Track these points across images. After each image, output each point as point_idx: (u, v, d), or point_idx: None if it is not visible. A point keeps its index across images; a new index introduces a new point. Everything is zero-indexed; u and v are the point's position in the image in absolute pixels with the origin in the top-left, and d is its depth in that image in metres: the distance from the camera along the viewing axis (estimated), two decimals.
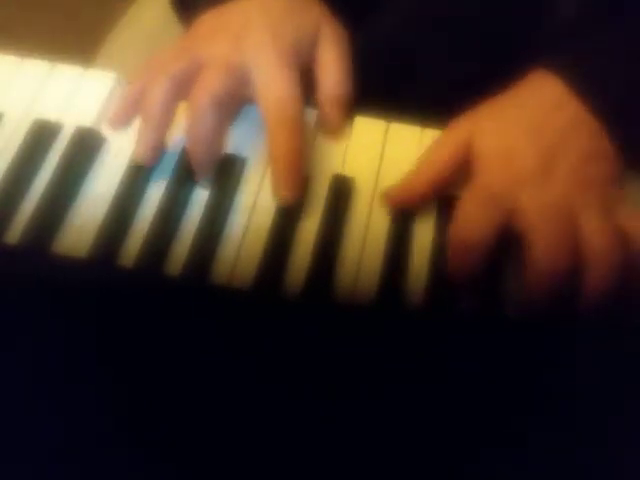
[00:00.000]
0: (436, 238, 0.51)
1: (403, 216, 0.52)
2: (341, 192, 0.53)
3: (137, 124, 0.56)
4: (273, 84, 0.52)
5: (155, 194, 0.53)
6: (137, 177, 0.53)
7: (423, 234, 0.52)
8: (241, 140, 0.55)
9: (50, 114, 0.56)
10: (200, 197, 0.53)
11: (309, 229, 0.51)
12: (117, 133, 0.56)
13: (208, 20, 0.56)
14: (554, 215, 0.48)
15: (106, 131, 0.56)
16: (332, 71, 0.55)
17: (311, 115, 0.56)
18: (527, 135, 0.50)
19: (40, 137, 0.55)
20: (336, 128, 0.56)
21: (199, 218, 0.52)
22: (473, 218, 0.49)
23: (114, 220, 0.51)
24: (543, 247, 0.47)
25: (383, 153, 0.55)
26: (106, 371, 0.45)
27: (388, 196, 0.53)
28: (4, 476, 0.42)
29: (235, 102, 0.53)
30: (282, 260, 0.50)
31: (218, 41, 0.53)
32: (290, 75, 0.52)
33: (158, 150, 0.53)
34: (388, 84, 0.61)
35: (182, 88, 0.51)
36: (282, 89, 0.51)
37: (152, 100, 0.51)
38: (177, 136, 0.54)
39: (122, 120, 0.56)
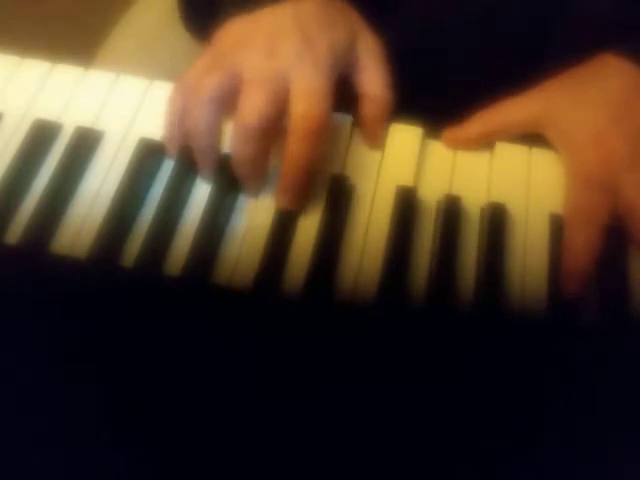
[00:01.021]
0: (436, 238, 0.51)
1: (403, 216, 0.52)
2: (341, 192, 0.53)
3: (139, 123, 0.56)
4: (305, 96, 0.50)
5: (155, 194, 0.53)
6: (137, 177, 0.53)
7: (423, 234, 0.52)
8: None
9: (50, 114, 0.56)
10: (200, 197, 0.53)
11: (309, 229, 0.51)
12: (117, 133, 0.56)
13: (237, 27, 0.53)
14: None
15: (105, 130, 0.56)
16: (376, 77, 0.54)
17: None
18: (614, 119, 0.51)
19: (40, 137, 0.55)
20: (379, 135, 0.55)
21: (199, 218, 0.52)
22: (587, 202, 0.50)
23: (114, 220, 0.51)
24: None
25: (383, 153, 0.55)
26: (106, 371, 0.45)
27: (447, 134, 0.55)
28: (4, 475, 0.42)
29: (280, 118, 0.51)
30: (282, 260, 0.50)
31: (252, 50, 0.51)
32: (324, 86, 0.50)
33: (216, 164, 0.53)
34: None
35: (224, 104, 0.50)
36: (312, 102, 0.50)
37: (199, 125, 0.50)
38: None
39: (176, 142, 0.54)
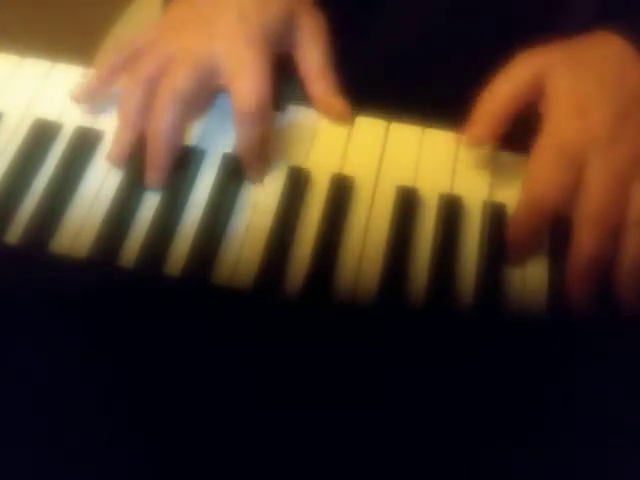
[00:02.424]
0: (436, 238, 0.51)
1: (403, 216, 0.52)
2: (341, 192, 0.53)
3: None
4: (241, 77, 0.52)
5: (155, 194, 0.53)
6: (137, 177, 0.53)
7: (423, 234, 0.52)
8: None
9: (50, 114, 0.56)
10: (200, 197, 0.53)
11: (309, 229, 0.51)
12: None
13: (178, 9, 0.56)
14: (615, 184, 0.49)
15: (105, 130, 0.56)
16: (313, 54, 0.56)
17: (309, 114, 0.56)
18: (604, 88, 0.51)
19: (40, 137, 0.55)
20: (335, 108, 0.56)
21: (199, 218, 0.52)
22: (548, 175, 0.50)
23: (114, 220, 0.51)
24: (596, 215, 0.48)
25: (383, 153, 0.55)
26: (106, 371, 0.45)
27: (466, 139, 0.53)
28: (4, 472, 0.42)
29: (203, 96, 0.54)
30: (282, 260, 0.50)
31: (187, 32, 0.54)
32: (259, 65, 0.52)
33: (129, 151, 0.53)
34: (388, 84, 0.62)
35: (153, 88, 0.52)
36: (250, 82, 0.51)
37: (127, 107, 0.53)
38: None
39: (87, 98, 0.56)
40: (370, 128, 0.56)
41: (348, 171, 0.54)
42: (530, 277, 0.50)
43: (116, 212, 0.52)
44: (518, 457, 0.43)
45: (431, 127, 0.56)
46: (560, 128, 0.50)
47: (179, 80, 0.51)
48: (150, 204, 0.52)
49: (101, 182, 0.53)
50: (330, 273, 0.49)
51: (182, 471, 0.42)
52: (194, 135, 0.55)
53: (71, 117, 0.56)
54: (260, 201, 0.53)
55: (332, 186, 0.53)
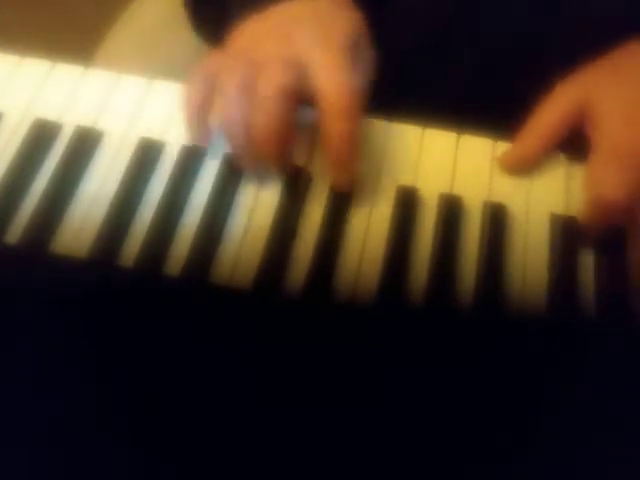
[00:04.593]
0: (436, 238, 0.51)
1: (403, 216, 0.52)
2: (341, 192, 0.53)
3: (139, 123, 0.56)
4: (330, 76, 0.50)
5: (155, 194, 0.53)
6: (137, 177, 0.53)
7: (423, 234, 0.52)
8: None
9: (50, 114, 0.56)
10: (200, 197, 0.53)
11: (310, 229, 0.51)
12: (117, 133, 0.56)
13: (251, 26, 0.54)
14: None
15: (105, 130, 0.56)
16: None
17: (309, 114, 0.56)
18: None
19: (40, 137, 0.55)
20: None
21: (199, 218, 0.52)
22: (613, 181, 0.50)
23: (114, 220, 0.51)
24: None
25: (384, 153, 0.55)
26: (105, 371, 0.45)
27: (503, 160, 0.54)
28: (4, 472, 0.42)
29: (297, 95, 0.51)
30: (282, 260, 0.50)
31: (269, 42, 0.52)
32: (346, 67, 0.51)
33: (256, 159, 0.52)
34: (389, 85, 0.61)
35: (249, 93, 0.50)
36: (339, 80, 0.50)
37: (229, 116, 0.50)
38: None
39: (202, 135, 0.54)
40: (371, 128, 0.56)
41: None
42: (530, 277, 0.50)
43: (116, 212, 0.52)
44: (518, 457, 0.43)
45: (432, 127, 0.56)
46: (612, 137, 0.51)
47: (277, 76, 0.49)
48: (150, 204, 0.52)
49: (101, 182, 0.53)
50: (330, 273, 0.49)
51: (182, 471, 0.42)
52: None
53: (71, 117, 0.56)
54: (260, 201, 0.53)
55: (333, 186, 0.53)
